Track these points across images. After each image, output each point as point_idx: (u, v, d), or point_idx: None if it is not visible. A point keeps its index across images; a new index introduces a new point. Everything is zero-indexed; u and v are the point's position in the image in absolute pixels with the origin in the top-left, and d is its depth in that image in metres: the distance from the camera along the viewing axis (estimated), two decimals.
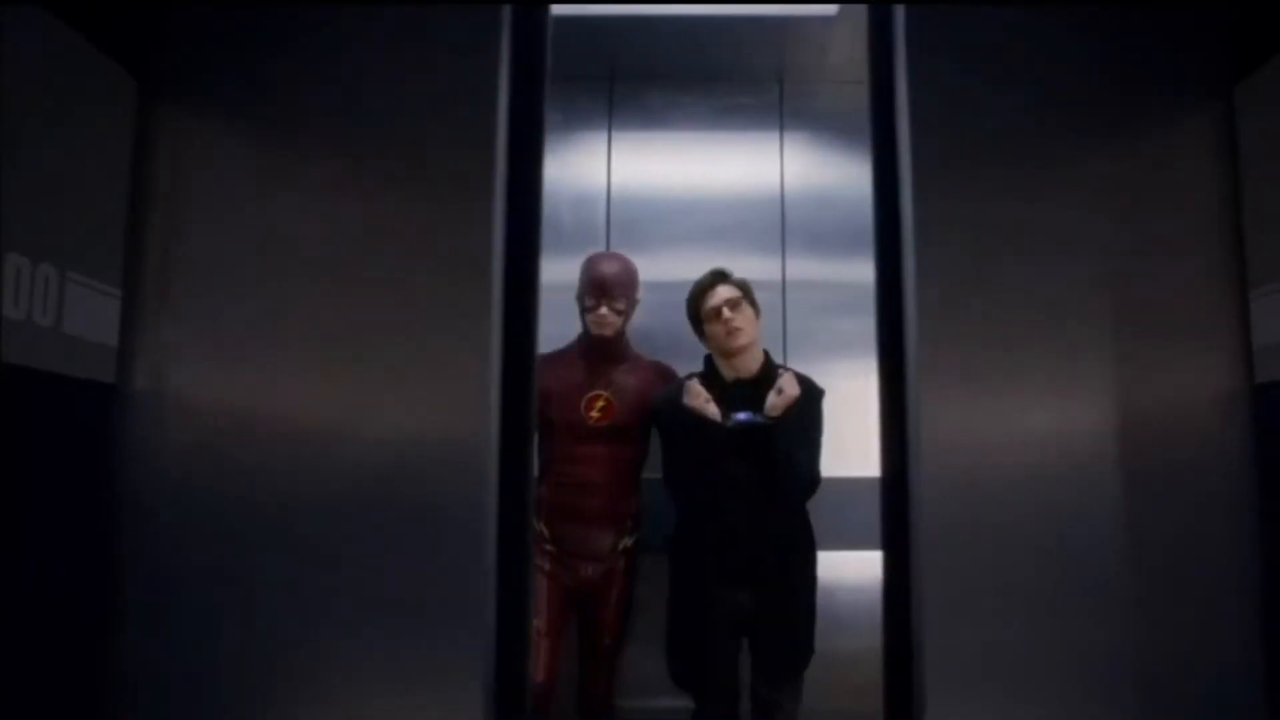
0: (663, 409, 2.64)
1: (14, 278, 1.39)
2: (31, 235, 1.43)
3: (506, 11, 1.85)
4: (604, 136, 2.95)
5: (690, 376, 2.63)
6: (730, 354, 2.57)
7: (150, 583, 1.66)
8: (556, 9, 2.57)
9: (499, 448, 1.73)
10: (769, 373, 2.58)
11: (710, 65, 2.84)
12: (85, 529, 1.63)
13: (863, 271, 2.93)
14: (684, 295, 2.59)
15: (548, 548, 2.71)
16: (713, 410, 2.51)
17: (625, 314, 2.71)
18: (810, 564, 2.59)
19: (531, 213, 1.83)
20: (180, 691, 1.63)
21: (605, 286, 2.66)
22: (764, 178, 2.94)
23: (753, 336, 2.57)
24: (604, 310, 2.66)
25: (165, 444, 1.67)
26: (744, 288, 2.60)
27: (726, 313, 2.54)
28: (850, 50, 2.74)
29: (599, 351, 2.71)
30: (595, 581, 2.71)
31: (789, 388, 2.50)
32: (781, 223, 2.92)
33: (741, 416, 2.48)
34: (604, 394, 2.70)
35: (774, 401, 2.50)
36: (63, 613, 1.58)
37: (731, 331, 2.54)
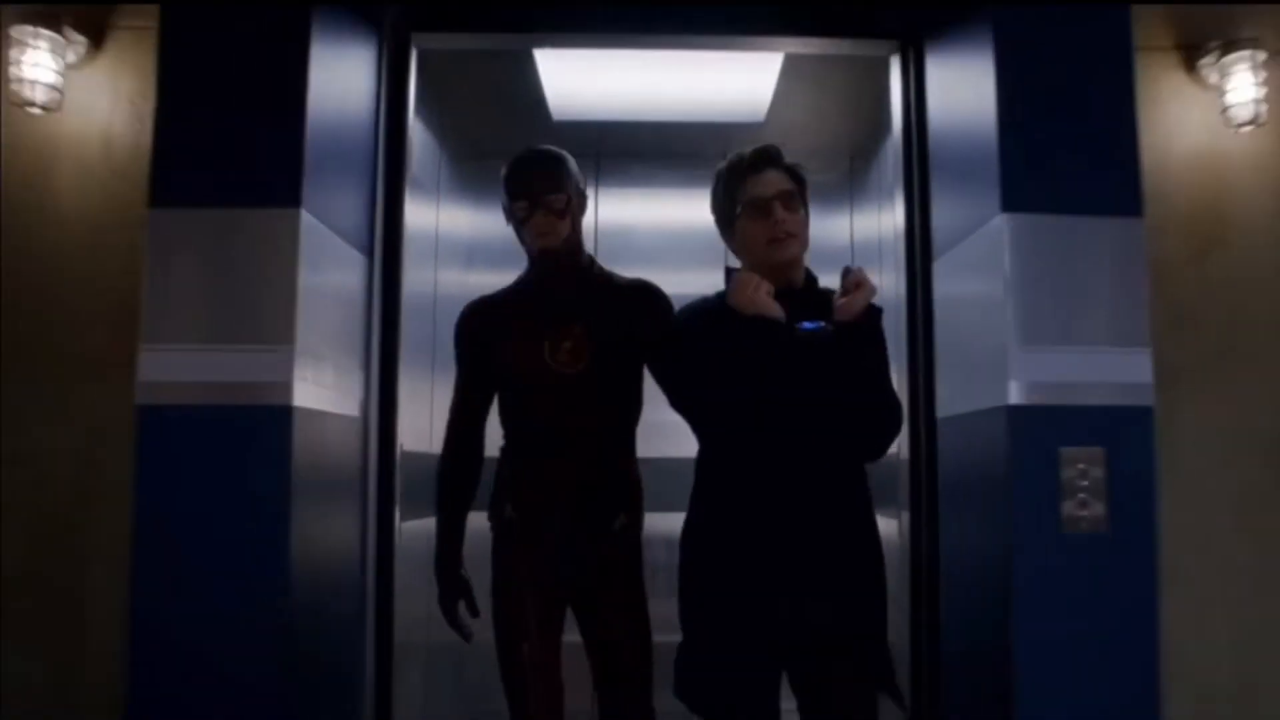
0: (688, 320, 1.96)
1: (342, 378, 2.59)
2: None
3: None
4: (592, 191, 4.21)
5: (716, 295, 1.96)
6: (771, 266, 1.90)
7: None
8: (561, 114, 3.78)
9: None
10: (815, 293, 1.95)
11: (672, 148, 4.05)
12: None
13: None
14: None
15: (520, 541, 2.07)
16: (775, 307, 1.81)
17: (571, 215, 2.06)
18: (880, 551, 1.91)
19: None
20: None
21: (533, 179, 2.03)
22: (711, 221, 4.23)
23: (804, 246, 1.93)
24: (540, 215, 2.02)
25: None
26: (798, 176, 1.94)
27: (780, 211, 1.88)
28: (773, 141, 4.01)
29: (553, 274, 2.08)
30: (590, 579, 2.06)
31: (867, 282, 1.86)
32: (726, 254, 4.23)
33: (809, 325, 1.83)
34: (571, 329, 2.05)
35: (854, 299, 1.83)
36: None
37: (779, 240, 1.88)
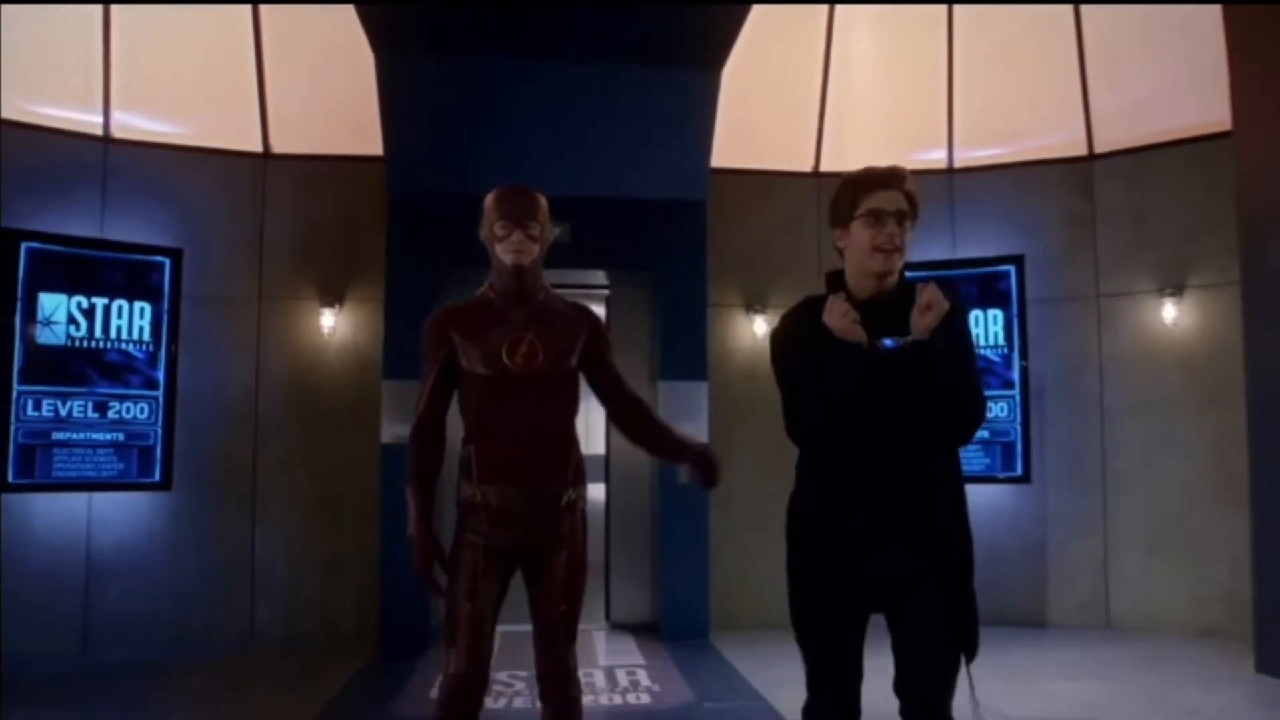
0: (786, 334, 2.25)
1: None
2: None
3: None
4: None
5: (810, 299, 2.24)
6: (869, 272, 2.17)
7: None
8: None
9: None
10: (907, 293, 2.17)
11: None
12: None
13: None
14: None
15: (483, 514, 2.49)
16: (859, 332, 2.08)
17: (540, 241, 2.55)
18: (966, 519, 2.19)
19: None
20: None
21: (519, 208, 2.51)
22: None
23: (903, 260, 2.19)
24: (519, 235, 2.50)
25: None
26: (915, 202, 2.18)
27: (892, 226, 2.13)
28: None
29: (516, 288, 2.55)
30: (543, 543, 2.51)
31: (937, 302, 2.08)
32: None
33: (889, 342, 2.08)
34: (527, 336, 2.51)
35: (925, 321, 2.08)
36: None
37: (889, 250, 2.14)
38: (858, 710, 2.26)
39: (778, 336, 2.30)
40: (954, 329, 2.15)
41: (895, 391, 2.10)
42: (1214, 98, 5.95)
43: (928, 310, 2.09)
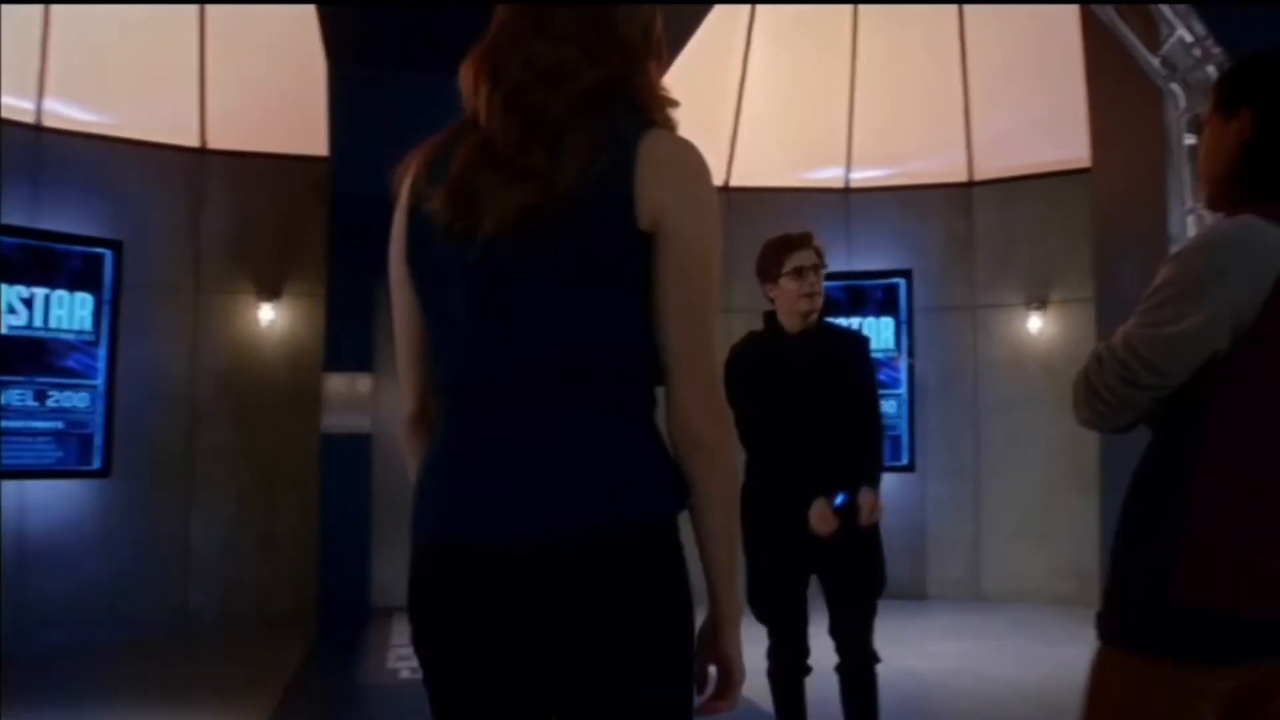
0: (734, 363, 2.84)
1: None
2: None
3: None
4: None
5: (752, 334, 2.97)
6: (800, 312, 2.81)
7: None
8: None
9: None
10: (826, 328, 2.92)
11: None
12: None
13: None
14: None
15: None
16: (834, 528, 2.76)
17: None
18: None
19: None
20: None
21: None
22: None
23: (822, 299, 2.84)
24: None
25: None
26: (822, 255, 2.87)
27: (812, 277, 2.79)
28: None
29: None
30: None
31: (875, 515, 2.81)
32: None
33: (839, 502, 2.78)
34: None
35: (865, 520, 2.79)
36: None
37: (812, 294, 2.79)
38: (808, 647, 2.92)
39: (726, 366, 2.84)
40: (867, 373, 2.97)
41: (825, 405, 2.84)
42: (1074, 138, 6.85)
43: (869, 518, 2.81)
